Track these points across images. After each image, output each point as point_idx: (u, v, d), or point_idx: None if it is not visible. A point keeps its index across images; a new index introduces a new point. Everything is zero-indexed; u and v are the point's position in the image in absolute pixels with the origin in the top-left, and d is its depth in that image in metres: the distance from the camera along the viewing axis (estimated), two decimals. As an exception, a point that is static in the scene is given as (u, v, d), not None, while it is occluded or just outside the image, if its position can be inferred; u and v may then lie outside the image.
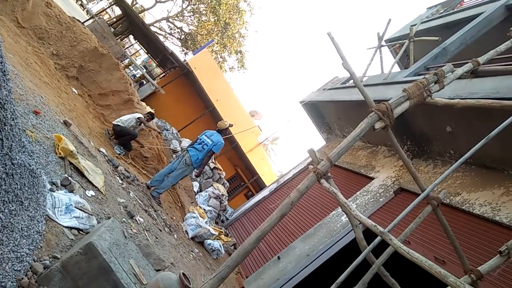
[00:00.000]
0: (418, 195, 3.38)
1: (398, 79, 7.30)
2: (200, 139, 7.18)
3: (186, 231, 7.22)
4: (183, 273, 2.82)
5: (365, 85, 3.53)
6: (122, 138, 7.50)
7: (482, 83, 5.04)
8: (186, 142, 14.25)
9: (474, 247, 4.60)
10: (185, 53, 26.04)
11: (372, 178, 7.75)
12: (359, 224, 3.33)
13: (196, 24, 25.97)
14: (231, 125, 7.55)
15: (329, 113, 10.73)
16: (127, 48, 25.01)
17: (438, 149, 6.60)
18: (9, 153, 2.35)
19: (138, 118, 7.69)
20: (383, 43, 9.12)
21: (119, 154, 7.26)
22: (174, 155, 12.98)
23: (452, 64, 3.79)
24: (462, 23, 7.67)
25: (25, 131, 3.35)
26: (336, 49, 3.25)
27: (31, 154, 2.86)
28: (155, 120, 14.01)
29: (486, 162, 5.54)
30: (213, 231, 7.64)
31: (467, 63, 3.77)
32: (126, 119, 7.50)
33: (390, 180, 7.08)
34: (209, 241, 7.43)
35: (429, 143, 6.77)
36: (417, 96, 3.38)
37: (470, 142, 3.42)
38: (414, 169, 3.50)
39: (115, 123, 7.42)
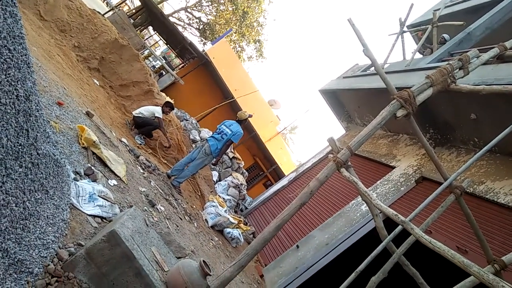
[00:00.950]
0: (441, 184, 3.32)
1: (421, 66, 7.13)
2: (219, 129, 7.24)
3: (206, 219, 7.31)
4: (203, 261, 2.86)
5: (386, 72, 3.46)
6: (143, 128, 7.59)
7: (509, 68, 4.88)
8: (205, 132, 14.35)
9: (498, 237, 4.50)
10: (204, 43, 26.09)
11: (393, 167, 7.65)
12: (380, 213, 3.30)
13: (214, 13, 25.92)
14: (250, 116, 7.55)
15: (349, 102, 10.59)
16: (146, 39, 25.22)
17: (462, 137, 6.45)
18: (35, 144, 2.42)
19: (157, 117, 7.63)
20: (405, 29, 8.90)
21: (140, 144, 7.36)
22: (193, 145, 13.10)
23: (478, 50, 3.67)
24: (488, 7, 7.41)
25: (49, 122, 3.43)
26: (357, 36, 3.19)
27: (55, 144, 2.93)
28: (175, 110, 14.13)
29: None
30: (232, 220, 7.71)
31: (493, 48, 3.64)
32: (146, 110, 7.56)
33: (411, 169, 6.98)
34: (228, 230, 7.51)
35: (452, 131, 6.62)
36: (440, 82, 3.30)
37: (495, 130, 3.33)
38: (437, 158, 3.44)
39: (136, 114, 7.49)
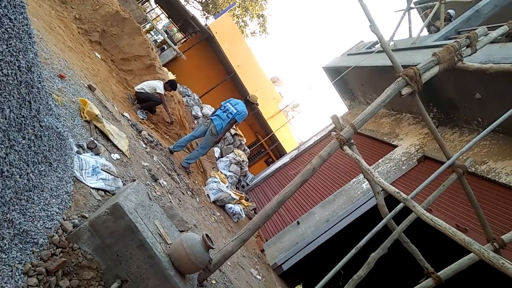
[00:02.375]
0: (443, 163, 3.33)
1: (427, 43, 7.02)
2: (225, 107, 7.10)
3: (208, 195, 7.37)
4: (206, 234, 2.90)
5: (392, 50, 3.41)
6: (146, 103, 7.55)
7: (517, 47, 4.80)
8: (207, 108, 14.29)
9: (498, 216, 4.54)
10: (206, 17, 25.62)
11: (395, 146, 7.65)
12: (381, 191, 3.31)
13: (218, -13, 25.37)
14: (257, 104, 7.52)
15: (352, 79, 10.49)
16: (148, 12, 24.78)
17: (466, 116, 6.41)
18: (37, 116, 2.40)
19: (158, 93, 7.49)
20: (412, 5, 8.71)
21: (142, 119, 7.33)
22: (195, 121, 13.08)
23: (486, 27, 3.60)
24: (498, -17, 7.21)
25: (51, 94, 3.41)
26: (364, 11, 3.13)
27: (58, 117, 2.92)
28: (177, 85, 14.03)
29: (515, 131, 5.36)
30: (234, 196, 7.77)
31: (502, 25, 3.57)
32: (148, 85, 7.46)
33: (413, 148, 6.97)
34: (230, 205, 7.58)
35: (456, 110, 6.58)
36: (447, 60, 3.26)
37: (499, 110, 3.31)
38: (440, 137, 3.43)
39: (138, 90, 7.41)
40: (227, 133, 8.44)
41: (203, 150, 7.04)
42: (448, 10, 8.89)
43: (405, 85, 3.16)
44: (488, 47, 4.04)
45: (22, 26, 2.19)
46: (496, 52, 4.98)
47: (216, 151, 11.34)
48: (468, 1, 7.61)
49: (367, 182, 5.96)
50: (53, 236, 2.36)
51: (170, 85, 7.84)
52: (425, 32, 9.08)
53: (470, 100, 5.97)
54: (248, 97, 7.33)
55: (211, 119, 6.99)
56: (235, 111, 6.95)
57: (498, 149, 5.41)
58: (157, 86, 7.50)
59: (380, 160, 7.41)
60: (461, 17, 7.19)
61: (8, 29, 2.05)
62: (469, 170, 5.08)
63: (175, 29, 26.86)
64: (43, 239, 2.30)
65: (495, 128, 2.96)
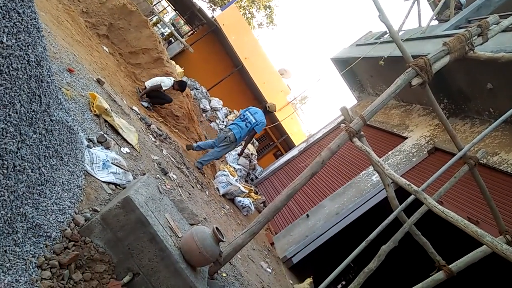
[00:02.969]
0: (454, 154, 3.29)
1: (437, 33, 6.91)
2: (244, 115, 7.14)
3: (217, 188, 7.39)
4: (216, 227, 2.91)
5: (401, 40, 3.35)
6: (156, 99, 7.52)
7: (530, 36, 4.70)
8: (215, 102, 14.28)
9: (510, 208, 4.49)
10: (213, 9, 25.49)
11: (405, 138, 7.58)
12: (392, 183, 3.29)
13: (224, -22, 25.20)
14: (275, 110, 7.64)
15: (361, 71, 10.39)
16: (154, 5, 24.71)
17: (477, 107, 6.33)
18: (48, 110, 2.42)
19: (160, 85, 7.37)
20: (421, -6, 8.57)
21: (146, 107, 7.23)
22: (204, 114, 13.09)
23: (498, 16, 3.53)
24: (510, -29, 7.06)
25: (61, 88, 3.43)
26: (373, 0, 3.08)
27: (68, 111, 2.93)
28: (185, 78, 14.03)
29: (528, 121, 5.28)
30: (243, 189, 7.79)
31: (515, 13, 3.49)
32: (154, 82, 7.39)
33: (424, 140, 6.91)
34: (239, 199, 7.60)
35: (467, 101, 6.49)
36: (458, 50, 3.20)
37: (511, 100, 3.25)
38: (451, 128, 3.38)
39: (149, 85, 7.38)
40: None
41: (218, 154, 7.13)
42: None
43: (415, 76, 3.11)
44: (500, 35, 3.95)
45: (31, 20, 2.19)
46: (508, 40, 4.89)
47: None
48: (479, -11, 7.46)
49: (377, 174, 5.92)
50: (66, 229, 2.39)
51: (179, 85, 7.68)
52: (434, 22, 8.94)
53: (482, 90, 5.88)
54: (267, 107, 7.39)
55: (230, 128, 7.06)
56: (254, 120, 7.02)
57: (510, 140, 5.33)
58: (164, 82, 7.39)
59: (390, 152, 7.35)
60: (472, 6, 7.06)
61: (17, 23, 2.05)
62: (481, 161, 5.03)
63: (182, 22, 26.78)
64: (56, 232, 2.32)
65: (507, 118, 2.91)
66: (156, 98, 7.54)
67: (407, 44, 7.00)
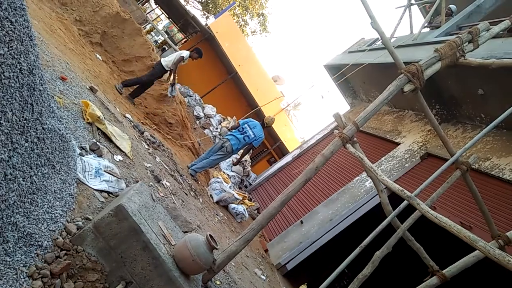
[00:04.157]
0: (446, 160, 3.31)
1: (429, 40, 6.99)
2: (243, 128, 7.22)
3: (211, 195, 7.36)
4: (209, 235, 2.89)
5: (393, 47, 3.39)
6: (140, 89, 7.43)
7: (519, 42, 4.77)
8: (209, 109, 14.29)
9: (502, 212, 4.52)
10: (207, 17, 25.58)
11: (397, 144, 7.63)
12: (385, 189, 3.30)
13: (217, -14, 25.33)
14: (273, 121, 7.77)
15: (354, 77, 10.46)
16: (148, 13, 24.77)
17: (468, 113, 6.39)
18: (40, 118, 2.40)
19: (182, 56, 7.39)
20: (412, 1, 8.68)
21: (118, 90, 7.06)
22: (197, 121, 13.08)
23: (488, 22, 3.58)
24: (499, -22, 7.18)
25: (53, 97, 3.41)
26: (365, 8, 3.11)
27: (60, 119, 2.92)
28: (178, 85, 14.03)
29: (519, 127, 5.34)
30: (237, 196, 7.77)
31: (504, 20, 3.54)
32: (175, 57, 7.39)
33: (416, 145, 6.95)
34: (233, 205, 7.57)
35: (458, 106, 6.56)
36: (449, 56, 3.23)
37: (502, 105, 3.29)
38: (443, 133, 3.41)
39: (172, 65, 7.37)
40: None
41: (213, 162, 7.18)
42: (449, 6, 8.85)
43: (407, 82, 3.14)
44: (490, 42, 4.01)
45: (23, 28, 2.19)
46: (499, 47, 4.96)
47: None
48: (469, -4, 7.58)
49: (370, 180, 5.94)
50: (57, 238, 2.36)
51: (197, 53, 7.73)
52: (426, 28, 9.05)
53: (473, 96, 5.95)
54: (265, 123, 7.50)
55: (227, 138, 7.13)
56: (252, 135, 7.12)
57: (502, 145, 5.39)
58: (182, 54, 7.44)
59: (383, 158, 7.39)
60: (463, 13, 7.16)
61: (9, 32, 2.05)
62: (473, 166, 5.07)
63: (176, 30, 26.85)
64: (47, 241, 2.29)
65: (498, 124, 2.94)
66: (141, 88, 7.44)
67: (399, 50, 7.06)
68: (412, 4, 8.73)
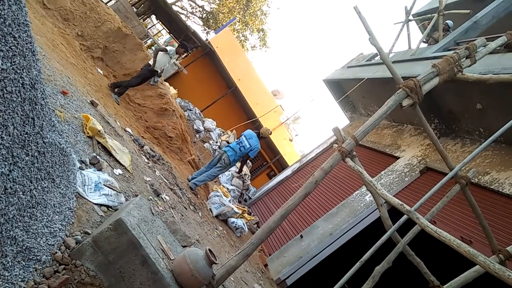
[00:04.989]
0: (445, 174, 3.32)
1: (427, 55, 7.06)
2: (240, 140, 7.43)
3: (210, 209, 7.34)
4: (209, 249, 2.88)
5: (391, 62, 3.43)
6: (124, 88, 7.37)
7: (516, 57, 4.83)
8: (209, 123, 14.33)
9: (502, 227, 4.51)
10: (207, 32, 25.89)
11: (397, 158, 7.63)
12: (384, 203, 3.30)
13: (218, 2, 25.68)
14: (270, 133, 7.93)
15: (353, 92, 10.54)
16: (149, 28, 25.06)
17: (467, 127, 6.42)
18: (41, 132, 2.42)
19: (166, 48, 7.48)
20: (410, 17, 8.79)
21: (115, 100, 7.04)
22: (197, 135, 13.10)
23: (485, 38, 3.63)
24: (495, -5, 7.30)
25: (54, 111, 3.43)
26: (363, 24, 3.16)
27: (61, 133, 2.93)
28: (178, 100, 14.10)
29: (517, 141, 5.36)
30: (236, 210, 7.74)
31: (500, 36, 3.59)
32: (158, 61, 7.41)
33: (416, 159, 6.96)
34: (232, 219, 7.54)
35: (457, 121, 6.59)
36: (447, 71, 3.27)
37: (501, 120, 3.31)
38: (442, 148, 3.42)
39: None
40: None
41: (212, 176, 7.30)
42: (446, 21, 8.96)
43: (406, 97, 3.16)
44: (487, 57, 4.06)
45: (26, 44, 2.22)
46: (496, 62, 5.01)
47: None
48: (466, 12, 7.68)
49: (370, 194, 5.93)
50: (56, 253, 2.36)
51: (182, 47, 7.90)
52: (424, 44, 9.15)
53: (471, 110, 5.98)
54: (261, 133, 7.66)
55: (224, 150, 7.32)
56: (248, 145, 7.27)
57: (501, 159, 5.40)
58: (168, 48, 7.56)
59: (382, 172, 7.39)
60: (460, 28, 7.25)
61: (12, 47, 2.08)
62: (472, 181, 5.07)
63: (176, 44, 27.08)
64: (46, 256, 2.29)
65: (497, 138, 2.96)
66: (124, 88, 7.38)
67: (397, 65, 7.13)
68: (410, 20, 8.84)
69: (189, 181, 7.17)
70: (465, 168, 5.34)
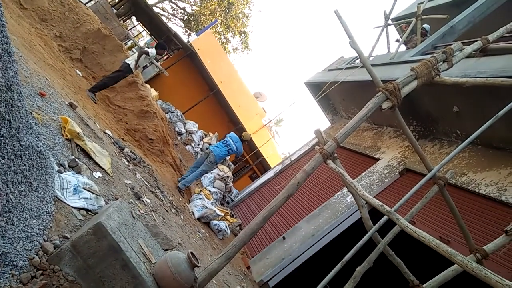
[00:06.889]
0: (424, 175, 3.38)
1: (405, 59, 7.20)
2: (226, 141, 7.97)
3: (192, 212, 7.29)
4: (191, 252, 2.86)
5: (371, 65, 3.48)
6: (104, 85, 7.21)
7: (491, 61, 4.97)
8: (191, 125, 14.25)
9: (479, 227, 4.62)
10: (189, 34, 25.76)
11: (377, 159, 7.75)
12: (365, 204, 3.34)
13: (199, 4, 25.62)
14: (250, 138, 8.54)
15: (334, 94, 10.65)
16: (130, 29, 24.77)
17: (445, 129, 6.57)
18: (17, 135, 2.36)
19: (147, 51, 7.30)
20: (389, 21, 8.95)
21: (92, 99, 6.84)
22: (179, 137, 13.01)
23: (461, 43, 3.73)
24: (470, 1, 7.51)
25: (31, 113, 3.35)
26: (343, 28, 3.20)
27: (38, 136, 2.87)
28: (160, 102, 13.97)
29: (492, 142, 5.51)
30: (219, 212, 7.71)
31: (476, 41, 3.70)
32: (132, 58, 7.29)
33: (395, 161, 7.08)
34: (215, 222, 7.51)
35: (435, 123, 6.73)
36: (425, 75, 3.34)
37: (477, 122, 3.40)
38: (421, 149, 3.49)
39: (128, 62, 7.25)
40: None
41: (199, 175, 7.74)
42: (424, 25, 9.16)
43: (385, 100, 3.22)
44: (464, 61, 4.17)
45: (2, 44, 2.17)
46: (471, 66, 5.14)
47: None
48: (443, 17, 7.87)
49: (351, 195, 6.00)
50: (34, 258, 2.30)
51: (161, 48, 7.67)
52: (402, 48, 9.32)
53: (449, 113, 6.12)
54: (242, 136, 8.25)
55: (211, 150, 7.83)
56: (235, 149, 7.96)
57: (477, 161, 5.54)
58: (149, 49, 7.42)
59: (363, 173, 7.49)
60: (437, 33, 7.42)
61: (-12, 48, 2.03)
62: (450, 182, 5.19)
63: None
64: (23, 261, 2.23)
65: (473, 140, 3.04)
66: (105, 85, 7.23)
67: (377, 69, 7.25)
68: (389, 24, 9.00)
69: (179, 182, 7.44)
70: (443, 169, 5.47)
